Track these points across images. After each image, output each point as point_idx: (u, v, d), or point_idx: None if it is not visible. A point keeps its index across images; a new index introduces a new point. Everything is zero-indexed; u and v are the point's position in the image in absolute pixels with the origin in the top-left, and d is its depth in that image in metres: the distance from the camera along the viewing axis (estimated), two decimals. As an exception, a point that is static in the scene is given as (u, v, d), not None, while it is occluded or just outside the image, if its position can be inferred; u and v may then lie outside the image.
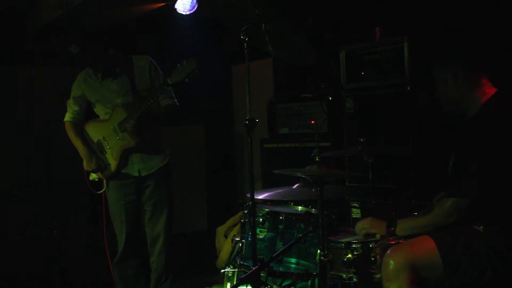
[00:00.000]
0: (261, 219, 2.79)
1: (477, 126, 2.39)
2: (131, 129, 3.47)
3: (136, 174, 3.63)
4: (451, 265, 2.22)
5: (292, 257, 2.73)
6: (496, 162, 2.28)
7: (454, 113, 2.57)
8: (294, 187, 2.94)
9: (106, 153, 3.67)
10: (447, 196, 2.36)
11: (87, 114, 3.79)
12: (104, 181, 3.70)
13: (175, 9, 4.52)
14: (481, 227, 2.29)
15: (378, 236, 2.59)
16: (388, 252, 2.34)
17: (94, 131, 3.72)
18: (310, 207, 2.95)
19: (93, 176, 3.74)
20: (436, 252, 2.24)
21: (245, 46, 2.51)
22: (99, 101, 3.68)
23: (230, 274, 2.87)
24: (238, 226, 3.98)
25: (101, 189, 3.73)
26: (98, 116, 3.75)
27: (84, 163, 3.68)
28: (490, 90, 2.45)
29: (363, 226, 2.63)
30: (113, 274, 3.77)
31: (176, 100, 3.67)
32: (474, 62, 2.50)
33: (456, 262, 2.22)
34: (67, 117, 3.77)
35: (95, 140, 3.71)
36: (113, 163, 3.63)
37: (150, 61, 3.66)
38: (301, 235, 2.50)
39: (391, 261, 2.27)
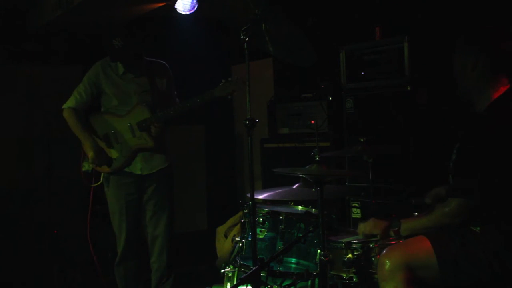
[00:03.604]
0: (261, 219, 2.79)
1: (485, 122, 2.35)
2: (156, 131, 3.51)
3: (139, 172, 3.62)
4: (446, 266, 2.22)
5: (292, 257, 2.73)
6: (499, 161, 2.26)
7: (464, 100, 2.51)
8: (294, 187, 2.94)
9: (113, 147, 3.63)
10: (453, 196, 2.32)
11: (90, 106, 3.74)
12: (102, 174, 3.66)
13: (175, 9, 4.52)
14: (478, 228, 2.28)
15: (379, 236, 2.58)
16: (384, 252, 2.33)
17: (102, 124, 3.67)
18: (310, 207, 2.95)
19: (85, 167, 3.68)
20: (432, 252, 2.24)
21: (245, 46, 2.51)
22: (114, 94, 3.63)
23: (230, 274, 2.87)
24: (238, 226, 3.99)
25: (96, 183, 3.67)
26: (100, 108, 3.72)
27: (89, 154, 3.58)
28: (504, 88, 2.39)
29: (366, 227, 2.63)
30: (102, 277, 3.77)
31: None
32: (497, 57, 2.41)
33: (452, 263, 2.22)
34: (71, 103, 3.64)
35: (102, 133, 3.66)
36: (120, 159, 3.61)
37: (168, 68, 3.75)
38: (301, 235, 2.51)
39: (387, 261, 2.27)
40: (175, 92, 3.79)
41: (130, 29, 3.55)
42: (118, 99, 3.63)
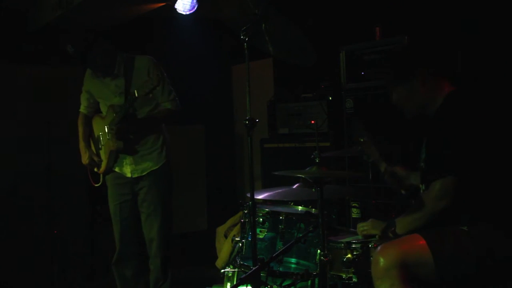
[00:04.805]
0: (261, 219, 2.79)
1: (441, 116, 2.42)
2: (113, 134, 3.50)
3: (129, 175, 3.64)
4: (442, 262, 2.22)
5: (292, 257, 2.73)
6: (471, 150, 2.29)
7: (419, 116, 2.60)
8: (294, 187, 2.94)
9: (101, 149, 3.73)
10: (433, 179, 2.34)
11: (98, 108, 3.81)
12: (101, 175, 3.76)
13: (175, 9, 4.52)
14: (465, 227, 2.29)
15: (377, 236, 2.59)
16: (378, 250, 2.32)
17: (96, 126, 3.79)
18: (310, 207, 2.95)
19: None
20: (427, 249, 2.23)
21: (245, 46, 2.51)
22: (100, 98, 3.71)
23: (230, 274, 2.87)
24: (238, 226, 3.99)
25: (98, 182, 3.79)
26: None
27: (82, 158, 3.76)
28: (450, 89, 2.48)
29: (364, 227, 2.63)
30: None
31: (177, 105, 3.63)
32: (437, 67, 2.52)
33: (447, 259, 2.22)
34: (81, 107, 3.85)
35: (96, 135, 3.77)
36: (104, 161, 3.68)
37: (151, 63, 3.58)
38: (301, 235, 2.51)
39: (381, 259, 2.25)
40: (170, 86, 3.67)
41: (80, 35, 3.47)
42: (103, 102, 3.70)
